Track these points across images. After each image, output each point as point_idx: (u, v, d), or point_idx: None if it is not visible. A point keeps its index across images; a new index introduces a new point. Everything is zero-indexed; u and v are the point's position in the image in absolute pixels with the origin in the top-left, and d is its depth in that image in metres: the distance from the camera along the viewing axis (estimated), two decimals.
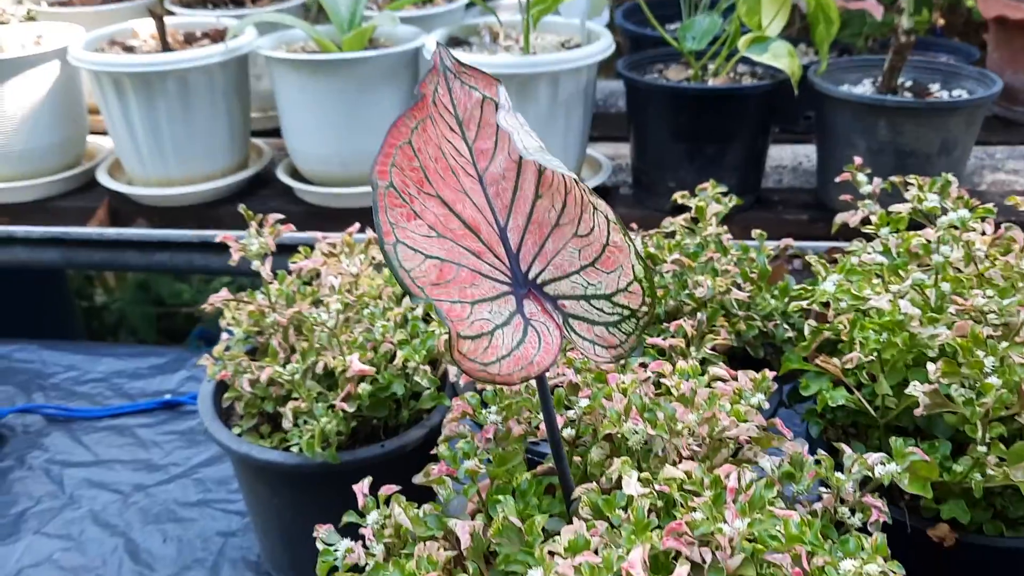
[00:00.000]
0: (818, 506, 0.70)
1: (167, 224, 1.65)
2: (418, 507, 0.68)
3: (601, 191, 1.68)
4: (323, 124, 1.56)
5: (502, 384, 0.59)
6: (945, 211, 0.88)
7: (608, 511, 0.64)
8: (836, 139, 1.51)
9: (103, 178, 1.70)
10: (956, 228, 0.89)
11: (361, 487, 0.69)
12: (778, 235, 1.21)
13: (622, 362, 0.80)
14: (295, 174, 1.69)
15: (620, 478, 0.66)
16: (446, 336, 0.93)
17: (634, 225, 1.16)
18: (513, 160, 0.66)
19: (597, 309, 0.62)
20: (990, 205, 0.85)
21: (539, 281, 0.65)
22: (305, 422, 0.95)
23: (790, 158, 1.82)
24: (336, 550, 0.65)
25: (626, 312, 0.62)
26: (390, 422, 1.03)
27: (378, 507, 0.68)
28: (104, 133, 1.77)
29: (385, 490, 0.68)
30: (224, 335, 1.06)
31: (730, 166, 1.55)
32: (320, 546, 0.66)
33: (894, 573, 0.58)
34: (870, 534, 0.70)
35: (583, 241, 0.64)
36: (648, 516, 0.61)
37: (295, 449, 0.95)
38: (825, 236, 1.49)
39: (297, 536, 1.04)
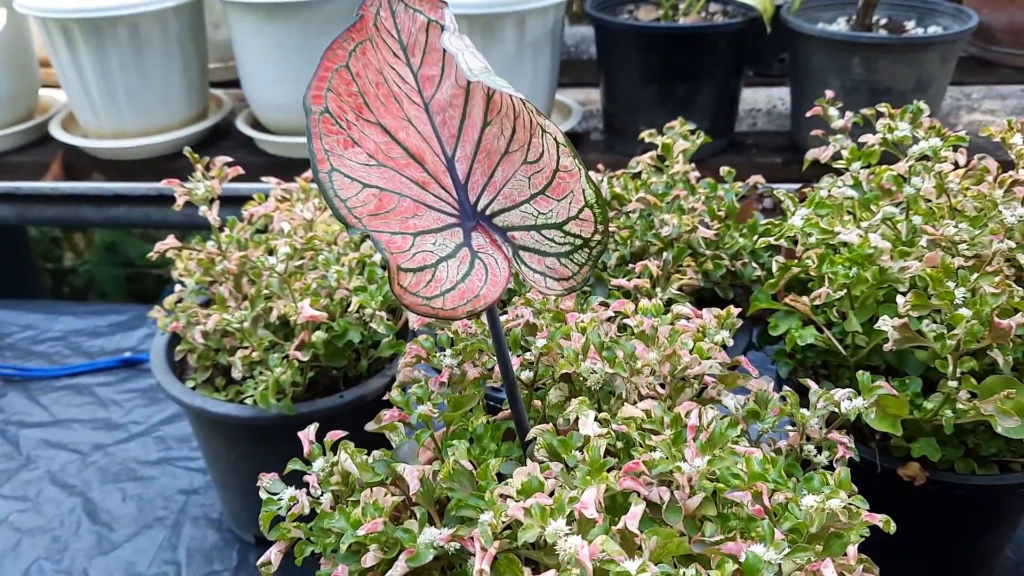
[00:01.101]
0: (783, 443, 0.67)
1: (124, 178, 1.60)
2: (368, 454, 0.65)
3: (571, 137, 1.64)
4: (283, 70, 1.51)
5: (446, 319, 0.55)
6: (916, 141, 0.84)
7: (564, 452, 0.61)
8: (810, 79, 1.48)
9: (56, 131, 1.64)
10: (928, 159, 0.86)
11: (307, 433, 0.66)
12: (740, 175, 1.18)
13: (583, 303, 0.77)
14: (256, 124, 1.64)
15: (577, 419, 0.63)
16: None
17: (600, 166, 1.12)
18: (461, 87, 0.62)
19: (548, 239, 0.59)
20: (962, 133, 0.82)
21: (488, 212, 0.61)
22: (260, 373, 0.92)
23: (764, 101, 1.78)
24: (280, 499, 0.62)
25: (578, 242, 0.58)
26: (350, 372, 0.99)
27: (325, 454, 0.65)
28: (56, 86, 1.71)
29: (332, 435, 0.65)
30: (177, 287, 1.02)
31: (702, 108, 1.51)
32: (263, 495, 0.63)
33: (857, 507, 0.55)
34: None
35: (533, 168, 0.60)
36: (605, 457, 0.58)
37: (249, 401, 0.92)
38: (799, 179, 1.46)
39: (257, 491, 1.01)
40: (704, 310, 0.76)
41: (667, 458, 0.59)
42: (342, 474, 0.63)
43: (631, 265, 0.93)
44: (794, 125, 1.59)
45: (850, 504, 0.55)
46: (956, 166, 0.93)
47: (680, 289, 0.91)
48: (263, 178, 1.08)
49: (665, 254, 0.91)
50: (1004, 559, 1.06)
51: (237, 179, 1.14)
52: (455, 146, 0.63)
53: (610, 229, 0.98)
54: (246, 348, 0.87)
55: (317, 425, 0.66)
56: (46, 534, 1.10)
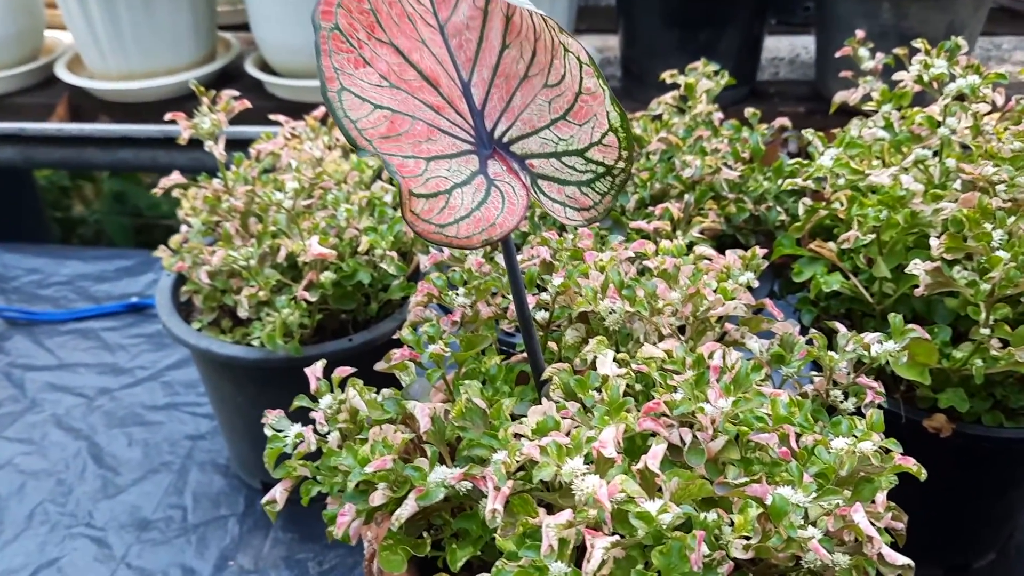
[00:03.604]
0: (809, 388, 0.65)
1: (131, 121, 1.57)
2: (377, 392, 0.63)
3: None
4: (293, 11, 1.46)
5: (460, 247, 0.53)
6: (953, 78, 0.80)
7: (581, 392, 0.58)
8: (837, 25, 1.43)
9: (62, 73, 1.61)
10: (963, 99, 0.82)
11: (314, 370, 0.63)
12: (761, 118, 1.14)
13: (601, 244, 0.74)
14: (265, 67, 1.60)
15: (595, 359, 0.61)
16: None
17: None
18: (478, 8, 0.59)
19: (569, 167, 0.56)
20: (1003, 71, 0.78)
21: (505, 140, 0.58)
22: (267, 314, 0.90)
23: (787, 50, 1.73)
24: (286, 436, 0.60)
25: (600, 169, 0.55)
26: (359, 316, 0.97)
27: (332, 391, 0.63)
28: (62, 27, 1.67)
29: (340, 371, 0.62)
30: (184, 227, 0.99)
31: (724, 54, 1.46)
32: (268, 432, 0.60)
33: (890, 451, 0.53)
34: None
35: (553, 92, 0.57)
36: (624, 398, 0.56)
37: (256, 343, 0.89)
38: (822, 128, 1.42)
39: (264, 435, 0.99)
40: (728, 251, 0.73)
41: (689, 399, 0.56)
42: (350, 411, 0.60)
43: (651, 208, 0.89)
44: (819, 74, 1.54)
45: (882, 446, 0.52)
46: (994, 107, 0.89)
47: (702, 233, 0.87)
48: (271, 116, 1.05)
49: (687, 196, 0.88)
50: None
51: (245, 121, 1.11)
52: (471, 71, 0.60)
53: (631, 171, 0.95)
54: (253, 287, 0.84)
55: (324, 362, 0.64)
56: (51, 477, 1.09)
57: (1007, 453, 0.84)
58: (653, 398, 0.59)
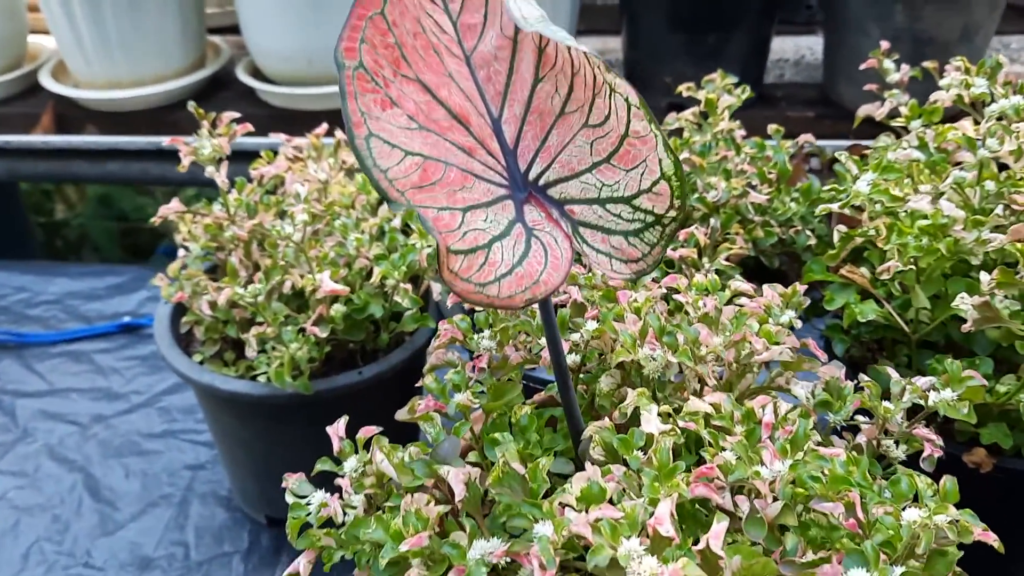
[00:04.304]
0: (860, 439, 0.61)
1: (119, 131, 1.51)
2: (403, 449, 0.58)
3: None
4: (286, 15, 1.41)
5: (503, 308, 0.49)
6: (993, 98, 0.77)
7: (625, 452, 0.55)
8: (847, 27, 1.39)
9: (47, 81, 1.55)
10: (1003, 119, 0.79)
11: (336, 429, 0.59)
12: (783, 134, 1.10)
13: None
14: (257, 74, 1.54)
15: (635, 412, 0.57)
16: (430, 250, 0.83)
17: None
18: (507, 37, 0.55)
19: (614, 216, 0.52)
20: (1012, 71, 0.74)
21: (542, 183, 0.54)
22: (273, 348, 0.85)
23: (792, 51, 1.69)
24: (309, 503, 0.55)
25: (649, 218, 0.51)
26: (368, 345, 0.93)
27: (357, 452, 0.58)
28: (46, 32, 1.61)
29: (364, 432, 0.58)
30: (181, 251, 0.94)
31: (732, 58, 1.43)
32: (290, 499, 0.56)
33: (968, 523, 0.49)
34: (918, 468, 0.62)
35: (595, 132, 0.52)
36: (674, 462, 0.52)
37: (263, 378, 0.85)
38: (833, 135, 1.38)
39: (270, 470, 0.95)
40: (765, 286, 0.69)
41: (743, 461, 0.52)
42: (377, 475, 0.56)
43: None
44: (826, 77, 1.50)
45: (958, 518, 0.49)
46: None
47: (728, 259, 0.84)
48: (272, 134, 1.00)
49: (712, 221, 0.84)
50: None
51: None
52: (502, 106, 0.55)
53: (682, 219, 0.91)
54: (260, 324, 0.80)
55: (347, 419, 0.60)
56: (46, 513, 1.04)
57: None
58: (701, 456, 0.55)
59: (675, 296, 0.70)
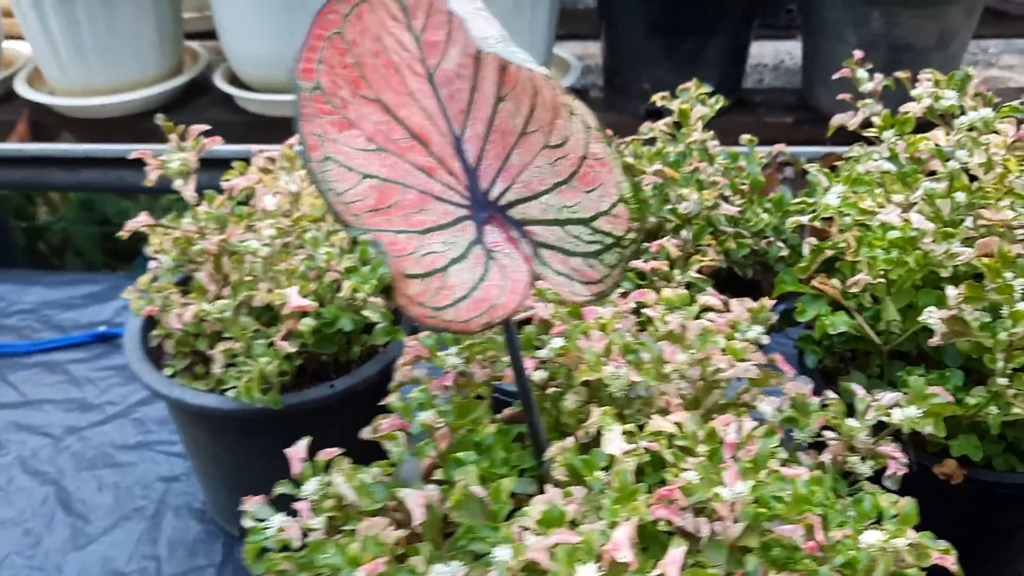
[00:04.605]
0: (825, 457, 0.61)
1: (96, 138, 1.50)
2: (366, 470, 0.58)
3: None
4: (263, 21, 1.40)
5: (459, 332, 0.48)
6: (963, 110, 0.77)
7: (587, 473, 0.54)
8: (824, 33, 1.39)
9: (21, 88, 1.54)
10: (972, 130, 0.79)
11: (297, 451, 0.59)
12: (761, 140, 1.10)
13: None
14: (235, 80, 1.53)
15: (600, 432, 0.57)
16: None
17: (609, 132, 1.04)
18: (469, 55, 0.54)
19: (574, 237, 0.52)
20: (1016, 103, 0.74)
21: (503, 203, 0.54)
22: (244, 362, 0.85)
23: (771, 56, 1.69)
24: (268, 528, 0.55)
25: (608, 240, 0.51)
26: (342, 357, 0.92)
27: (321, 472, 0.58)
28: (20, 38, 1.60)
29: (324, 454, 0.58)
30: (152, 263, 0.94)
31: (710, 63, 1.43)
32: (248, 523, 0.56)
33: (927, 547, 0.49)
34: (882, 486, 0.62)
35: (556, 153, 0.52)
36: (635, 484, 0.52)
37: (232, 393, 0.84)
38: (811, 140, 1.38)
39: (243, 483, 0.94)
40: (733, 301, 0.69)
41: (704, 482, 0.52)
42: (337, 498, 0.56)
43: (646, 244, 0.85)
44: (805, 83, 1.51)
45: (918, 542, 0.49)
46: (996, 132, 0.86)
47: (700, 271, 0.84)
48: (248, 146, 0.99)
49: (684, 232, 0.84)
50: None
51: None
52: (464, 124, 0.55)
53: (641, 242, 0.90)
54: (228, 339, 0.79)
55: (308, 441, 0.59)
56: (17, 527, 1.03)
57: (1020, 498, 0.81)
58: (663, 476, 0.55)
59: (645, 310, 0.70)
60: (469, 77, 0.55)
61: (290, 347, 0.79)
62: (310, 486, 0.56)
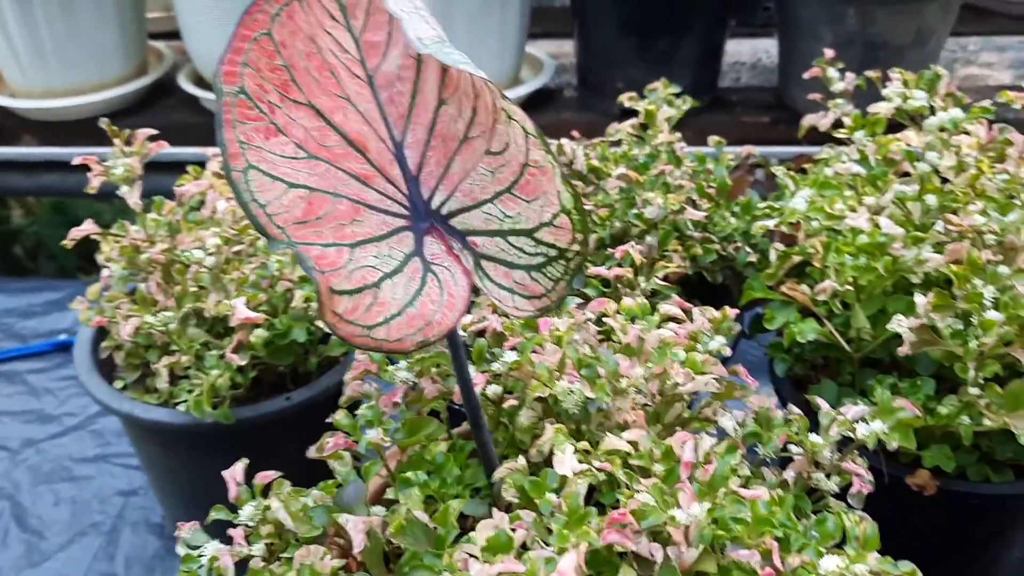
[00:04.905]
0: (789, 475, 0.58)
1: (58, 141, 1.47)
2: (308, 493, 0.55)
3: (543, 94, 1.52)
4: (224, 21, 1.37)
5: (391, 352, 0.46)
6: (933, 110, 0.74)
7: (537, 495, 0.52)
8: (800, 31, 1.37)
9: None
10: (944, 130, 0.77)
11: (233, 473, 0.56)
12: (736, 139, 1.08)
13: None
14: (200, 82, 1.50)
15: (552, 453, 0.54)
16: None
17: (575, 133, 1.01)
18: (411, 56, 0.51)
19: (517, 249, 0.49)
20: (987, 103, 0.72)
21: (444, 212, 0.51)
22: (196, 374, 0.82)
23: (749, 54, 1.67)
24: (201, 556, 0.52)
25: (552, 252, 0.48)
26: (300, 368, 0.89)
27: (259, 495, 0.55)
28: None
29: (262, 478, 0.55)
30: (104, 271, 0.90)
31: (684, 62, 1.40)
32: (181, 551, 0.53)
33: (889, 572, 0.46)
34: (848, 504, 0.59)
35: (497, 160, 0.49)
36: (585, 508, 0.49)
37: (183, 407, 0.81)
38: (788, 140, 1.36)
39: (200, 498, 0.91)
40: (696, 310, 0.67)
41: (658, 505, 0.49)
42: (275, 524, 0.53)
43: (610, 250, 0.83)
44: (782, 81, 1.48)
45: (879, 570, 0.46)
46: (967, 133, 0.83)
47: (666, 278, 0.81)
48: (206, 149, 0.96)
49: (649, 238, 0.81)
50: (1013, 559, 0.99)
51: (181, 140, 1.02)
52: (405, 129, 0.52)
53: (587, 207, 0.88)
54: (173, 353, 0.76)
55: (246, 463, 0.56)
56: None
57: (995, 508, 0.79)
58: (617, 497, 0.52)
59: (606, 319, 0.67)
60: (410, 79, 0.52)
61: (240, 360, 0.76)
62: (246, 511, 0.53)
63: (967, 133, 0.72)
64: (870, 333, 0.77)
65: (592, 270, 0.79)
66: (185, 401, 0.81)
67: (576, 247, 0.47)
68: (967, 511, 0.79)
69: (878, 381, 0.77)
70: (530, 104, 1.49)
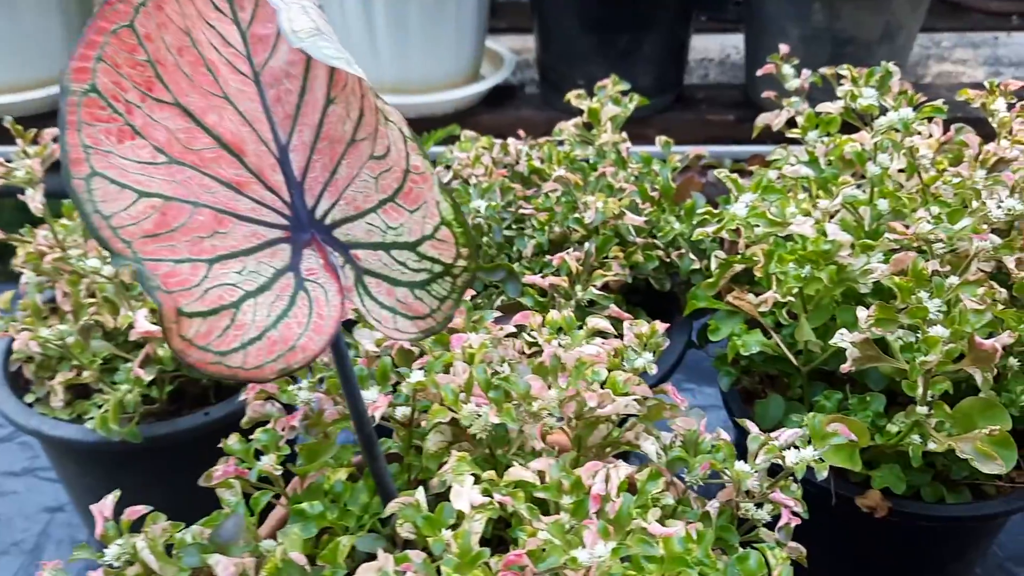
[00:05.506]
0: (713, 506, 0.54)
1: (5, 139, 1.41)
2: (190, 528, 0.51)
3: (504, 90, 1.47)
4: None
5: (248, 380, 0.41)
6: (884, 110, 0.70)
7: (430, 533, 0.47)
8: (766, 27, 1.33)
9: None
10: (897, 131, 0.72)
11: (102, 508, 0.51)
12: (702, 138, 1.03)
13: (474, 319, 0.63)
14: None
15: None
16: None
17: (521, 132, 0.96)
18: (300, 50, 0.47)
19: (400, 264, 0.44)
20: (939, 102, 0.67)
21: (328, 222, 0.46)
22: (102, 391, 0.77)
23: (717, 50, 1.63)
24: None
25: (437, 268, 0.43)
26: (224, 381, 0.84)
27: (127, 532, 0.51)
28: None
29: (131, 512, 0.50)
30: (23, 279, 0.86)
31: (647, 59, 1.35)
32: None
33: None
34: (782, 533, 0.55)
35: (381, 165, 0.45)
36: (479, 548, 0.44)
37: (91, 423, 0.77)
38: (756, 139, 1.32)
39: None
40: (625, 325, 0.62)
41: (560, 545, 0.45)
42: (143, 565, 0.48)
43: (548, 257, 0.78)
44: (748, 78, 1.44)
45: None
46: (928, 135, 0.79)
47: (605, 287, 0.76)
48: None
49: (587, 244, 0.76)
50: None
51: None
52: (291, 130, 0.48)
53: (525, 212, 0.83)
54: (73, 369, 0.71)
55: (117, 495, 0.52)
56: None
57: (951, 530, 0.75)
58: (519, 538, 0.48)
59: (532, 334, 0.63)
60: (299, 76, 0.48)
61: (147, 375, 0.72)
62: (111, 550, 0.49)
63: (919, 134, 0.68)
64: (819, 345, 0.73)
65: (528, 278, 0.75)
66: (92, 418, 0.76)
67: (462, 262, 0.43)
68: (922, 533, 0.75)
69: (825, 397, 0.73)
70: (491, 101, 1.45)
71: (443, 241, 0.42)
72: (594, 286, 0.74)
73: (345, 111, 0.47)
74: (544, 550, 0.44)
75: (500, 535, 0.55)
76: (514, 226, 0.83)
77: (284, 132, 0.48)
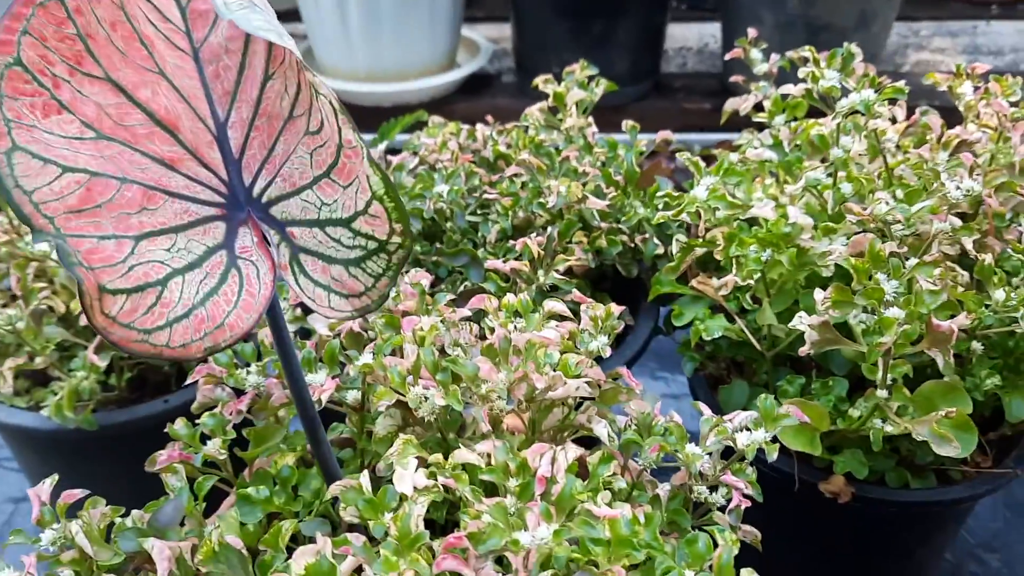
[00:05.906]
0: (664, 488, 0.53)
1: None
2: (125, 515, 0.50)
3: (481, 78, 1.46)
4: None
5: (174, 359, 0.40)
6: (847, 92, 0.69)
7: (372, 516, 0.46)
8: (741, 14, 1.32)
9: None
10: (860, 114, 0.71)
11: (39, 492, 0.50)
12: (679, 126, 1.03)
13: (427, 303, 0.62)
14: None
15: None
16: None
17: (489, 118, 0.96)
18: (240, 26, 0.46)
19: (334, 241, 0.43)
20: (901, 84, 0.67)
21: (265, 199, 0.45)
22: (59, 378, 0.76)
23: (696, 38, 1.62)
24: None
25: (372, 244, 0.43)
26: (186, 367, 0.83)
27: (63, 516, 0.50)
28: None
29: (67, 496, 0.49)
30: None
31: (622, 46, 1.34)
32: None
33: None
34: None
35: (315, 140, 0.44)
36: (419, 531, 0.44)
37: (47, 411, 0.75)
38: (728, 126, 1.31)
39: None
40: (582, 308, 0.61)
41: (502, 527, 0.44)
42: (79, 550, 0.47)
43: (512, 242, 0.77)
44: (725, 66, 1.43)
45: None
46: (894, 120, 0.78)
47: (568, 272, 0.76)
48: None
49: (550, 229, 0.76)
50: (943, 561, 0.94)
51: None
52: (230, 107, 0.47)
53: (490, 198, 0.82)
54: (24, 355, 0.70)
55: (55, 480, 0.51)
56: None
57: (916, 515, 0.75)
58: (463, 521, 0.47)
59: (487, 319, 0.62)
60: (238, 52, 0.47)
61: (101, 361, 0.71)
62: (47, 535, 0.48)
63: (882, 116, 0.67)
64: (783, 330, 0.72)
65: (490, 263, 0.74)
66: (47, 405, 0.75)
67: (396, 239, 0.42)
68: (887, 519, 0.74)
69: (788, 382, 0.72)
70: (467, 89, 1.43)
71: (376, 216, 0.41)
72: (556, 271, 0.74)
73: (283, 87, 0.46)
74: (485, 532, 0.44)
75: (454, 520, 0.54)
76: (479, 211, 0.82)
77: (223, 109, 0.47)
